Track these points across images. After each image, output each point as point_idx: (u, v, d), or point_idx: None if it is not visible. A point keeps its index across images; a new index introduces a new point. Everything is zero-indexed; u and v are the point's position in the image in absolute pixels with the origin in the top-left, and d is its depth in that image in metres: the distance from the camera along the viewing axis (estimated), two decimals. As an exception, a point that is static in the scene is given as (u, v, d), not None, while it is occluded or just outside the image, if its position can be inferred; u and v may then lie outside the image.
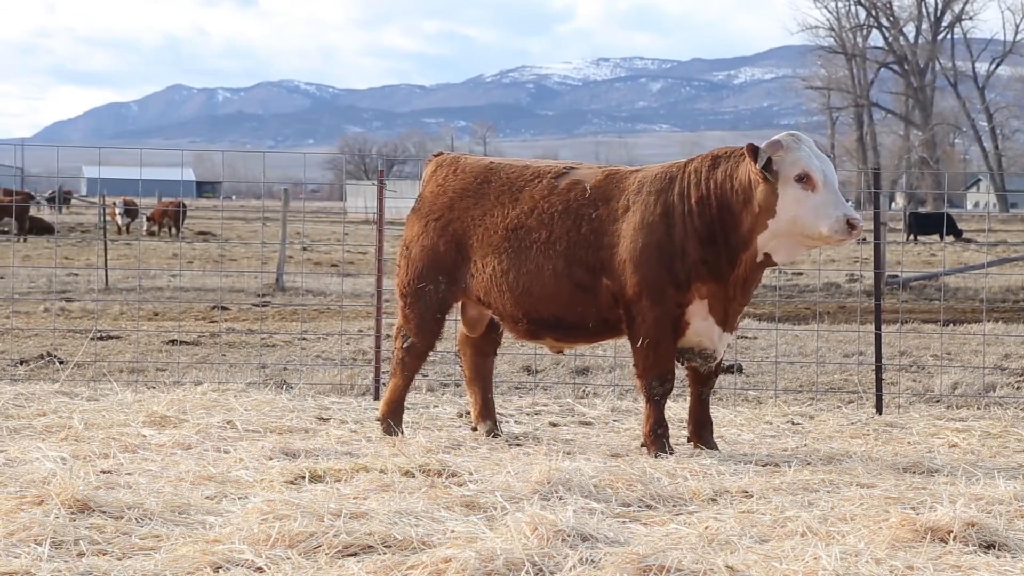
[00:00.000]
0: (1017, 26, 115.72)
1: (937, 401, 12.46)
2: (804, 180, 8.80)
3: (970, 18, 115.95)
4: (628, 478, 7.98)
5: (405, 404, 10.10)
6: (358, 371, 13.70)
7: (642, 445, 9.36)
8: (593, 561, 6.13)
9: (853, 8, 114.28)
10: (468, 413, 10.76)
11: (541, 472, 7.87)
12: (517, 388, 13.06)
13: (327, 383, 12.90)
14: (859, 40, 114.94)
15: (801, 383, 13.51)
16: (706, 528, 6.88)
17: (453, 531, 6.67)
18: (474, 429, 10.04)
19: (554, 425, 10.64)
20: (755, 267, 9.16)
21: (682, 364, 9.48)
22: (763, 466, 8.83)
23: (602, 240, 9.25)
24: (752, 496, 7.79)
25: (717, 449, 9.39)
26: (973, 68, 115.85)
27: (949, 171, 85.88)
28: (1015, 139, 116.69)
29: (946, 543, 6.57)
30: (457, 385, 13.00)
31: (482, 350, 10.09)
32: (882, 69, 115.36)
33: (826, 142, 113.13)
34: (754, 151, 8.87)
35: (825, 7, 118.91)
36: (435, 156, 10.23)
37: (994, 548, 6.55)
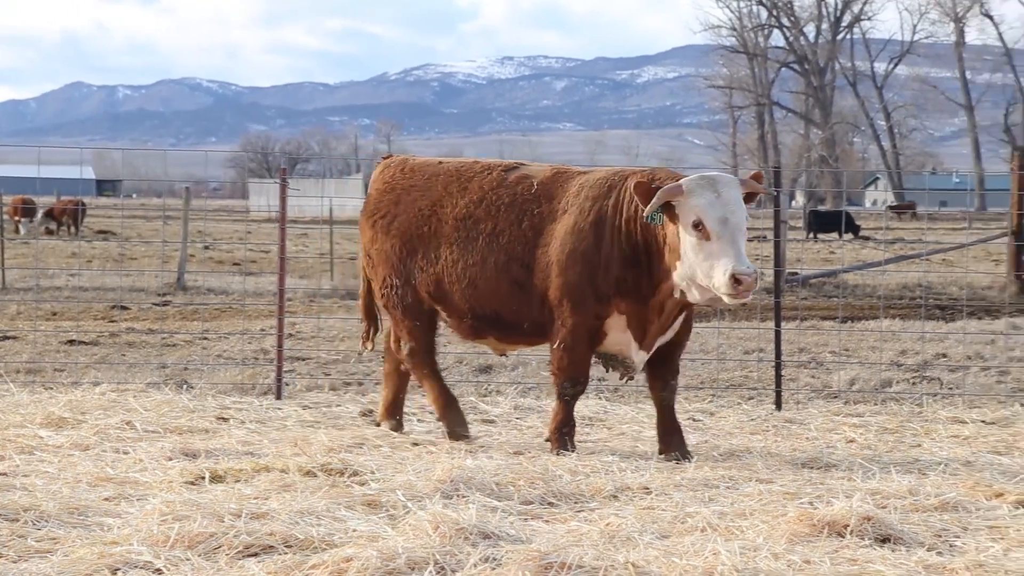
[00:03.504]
0: (915, 26, 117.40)
1: (835, 397, 12.62)
2: (698, 228, 8.43)
3: (869, 19, 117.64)
4: (530, 476, 8.01)
5: (455, 397, 9.93)
6: (260, 370, 13.61)
7: (546, 440, 9.37)
8: (495, 559, 6.14)
9: (755, 8, 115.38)
10: (371, 412, 10.75)
11: (443, 470, 7.88)
12: (419, 386, 13.02)
13: (228, 383, 12.81)
14: (760, 40, 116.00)
15: (702, 380, 13.61)
16: (607, 525, 6.92)
17: (355, 530, 6.66)
18: (377, 424, 10.01)
19: (457, 423, 10.62)
20: (672, 300, 8.89)
21: (607, 369, 9.40)
22: (664, 462, 8.89)
23: (538, 239, 9.14)
24: (653, 492, 7.84)
25: (689, 456, 9.08)
26: (872, 68, 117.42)
27: (848, 169, 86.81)
28: (912, 138, 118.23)
29: (843, 537, 6.66)
30: (360, 384, 12.97)
31: None
32: (783, 68, 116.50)
33: (728, 141, 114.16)
34: (646, 193, 8.54)
35: (727, 7, 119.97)
36: (384, 159, 10.14)
37: (889, 541, 6.65)
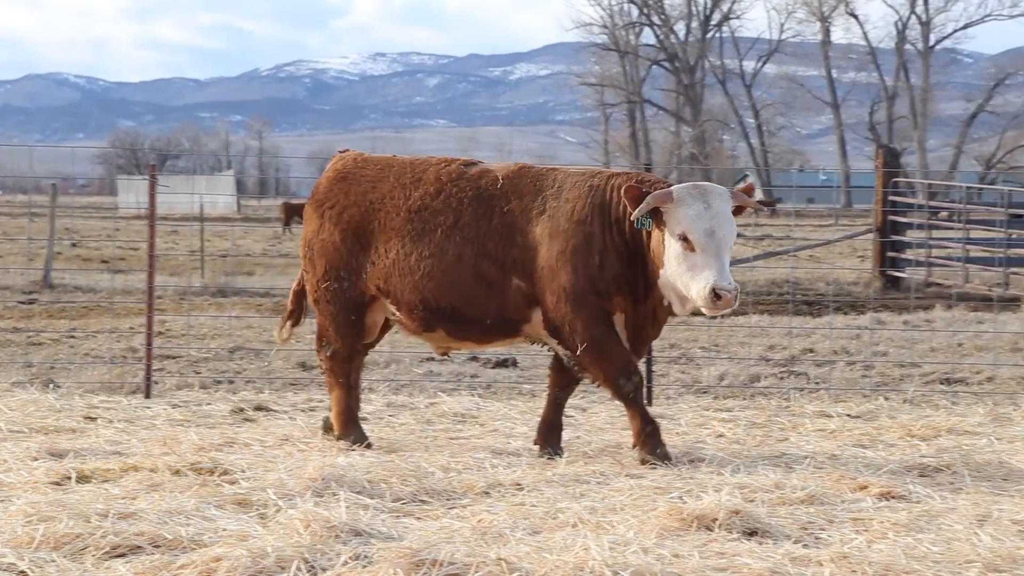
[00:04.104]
0: (782, 25, 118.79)
1: (705, 392, 12.77)
2: (683, 239, 8.43)
3: (738, 17, 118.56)
4: (402, 473, 8.01)
5: (359, 411, 9.65)
6: (128, 369, 13.45)
7: (633, 446, 9.05)
8: (366, 557, 6.13)
9: (626, 6, 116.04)
10: (242, 410, 10.72)
11: (315, 468, 7.85)
12: (291, 384, 12.98)
13: (96, 382, 12.64)
14: (631, 38, 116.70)
15: (574, 376, 13.68)
16: (479, 521, 6.95)
17: (224, 530, 6.61)
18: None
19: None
20: (663, 308, 8.88)
21: (581, 376, 9.27)
22: (536, 459, 8.94)
23: (514, 238, 9.00)
24: (524, 489, 7.88)
25: (561, 451, 9.15)
26: (741, 66, 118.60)
27: (718, 167, 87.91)
28: (780, 136, 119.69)
29: (711, 531, 6.75)
30: (231, 382, 12.87)
31: None
32: (654, 66, 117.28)
33: (600, 138, 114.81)
34: (636, 197, 8.52)
35: (599, 4, 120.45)
36: (340, 152, 9.95)
37: (757, 535, 6.75)
